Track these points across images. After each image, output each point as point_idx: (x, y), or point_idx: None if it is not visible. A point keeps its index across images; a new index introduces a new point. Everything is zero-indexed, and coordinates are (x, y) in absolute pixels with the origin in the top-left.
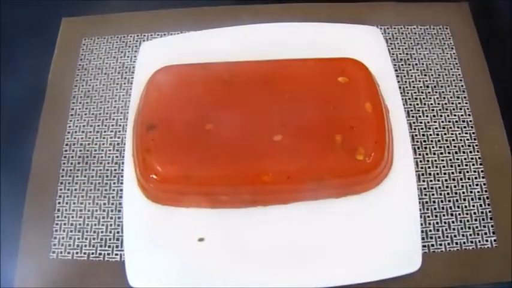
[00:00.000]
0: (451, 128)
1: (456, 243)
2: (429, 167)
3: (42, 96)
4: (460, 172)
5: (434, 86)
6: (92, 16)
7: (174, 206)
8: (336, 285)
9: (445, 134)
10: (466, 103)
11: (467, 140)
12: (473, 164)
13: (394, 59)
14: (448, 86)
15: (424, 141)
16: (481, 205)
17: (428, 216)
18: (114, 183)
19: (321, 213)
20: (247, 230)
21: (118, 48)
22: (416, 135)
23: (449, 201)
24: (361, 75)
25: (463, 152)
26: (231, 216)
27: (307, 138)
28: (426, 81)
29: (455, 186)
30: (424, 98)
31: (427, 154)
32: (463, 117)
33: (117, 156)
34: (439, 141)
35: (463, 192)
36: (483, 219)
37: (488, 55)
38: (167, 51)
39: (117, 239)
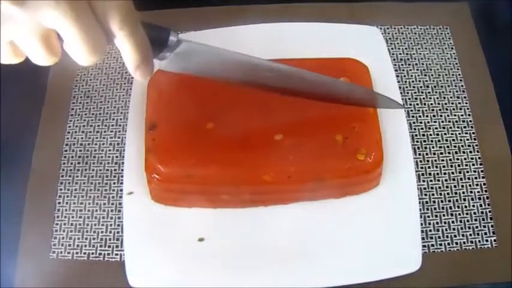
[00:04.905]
0: (451, 128)
1: (456, 243)
2: (429, 167)
3: (42, 96)
4: (460, 172)
5: (434, 86)
6: None
7: (174, 206)
8: (336, 285)
9: (445, 134)
10: (466, 103)
11: (467, 140)
12: (473, 164)
13: (394, 59)
14: (448, 86)
15: (424, 141)
16: (481, 205)
17: (428, 216)
18: (114, 183)
19: (321, 213)
20: (247, 230)
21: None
22: (416, 135)
23: (449, 201)
24: (363, 76)
25: (463, 152)
26: (231, 216)
27: (308, 138)
28: (426, 81)
29: (455, 186)
30: (424, 98)
31: (427, 154)
32: (463, 117)
33: (117, 156)
34: (439, 141)
35: (463, 192)
36: (483, 219)
37: (488, 55)
38: None
39: (117, 239)
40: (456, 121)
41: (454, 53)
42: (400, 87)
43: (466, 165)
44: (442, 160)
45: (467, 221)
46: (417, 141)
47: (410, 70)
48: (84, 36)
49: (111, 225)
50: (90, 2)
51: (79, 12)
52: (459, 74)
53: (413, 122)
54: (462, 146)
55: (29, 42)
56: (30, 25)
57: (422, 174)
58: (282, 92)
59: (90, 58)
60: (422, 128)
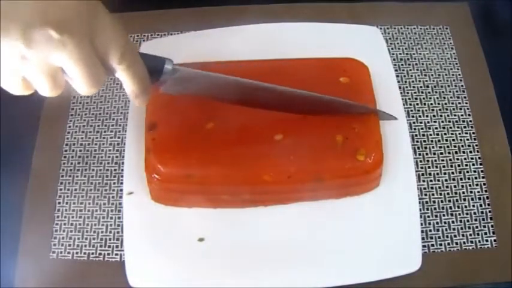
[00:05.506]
0: (451, 128)
1: (456, 243)
2: (429, 167)
3: (42, 96)
4: (460, 172)
5: (434, 86)
6: None
7: (174, 206)
8: (336, 285)
9: (445, 134)
10: (466, 103)
11: (467, 140)
12: (473, 164)
13: (394, 59)
14: (448, 86)
15: (424, 141)
16: (481, 205)
17: (428, 216)
18: (114, 183)
19: (321, 213)
20: (247, 230)
21: None
22: (416, 135)
23: (449, 201)
24: (363, 76)
25: (463, 152)
26: (231, 216)
27: (308, 138)
28: (426, 81)
29: (455, 186)
30: (424, 98)
31: (427, 154)
32: (463, 117)
33: (117, 156)
34: (439, 141)
35: (463, 192)
36: (483, 219)
37: (488, 55)
38: (167, 51)
39: (117, 239)
40: (456, 121)
41: (454, 53)
42: (400, 87)
43: (466, 165)
44: (442, 160)
45: (467, 221)
46: (417, 141)
47: (410, 70)
48: (86, 73)
49: (111, 225)
50: (92, 41)
51: (83, 52)
52: (459, 74)
53: (413, 122)
54: (462, 146)
55: (39, 79)
56: (40, 64)
57: (422, 174)
58: (278, 110)
59: (90, 90)
60: (422, 128)
